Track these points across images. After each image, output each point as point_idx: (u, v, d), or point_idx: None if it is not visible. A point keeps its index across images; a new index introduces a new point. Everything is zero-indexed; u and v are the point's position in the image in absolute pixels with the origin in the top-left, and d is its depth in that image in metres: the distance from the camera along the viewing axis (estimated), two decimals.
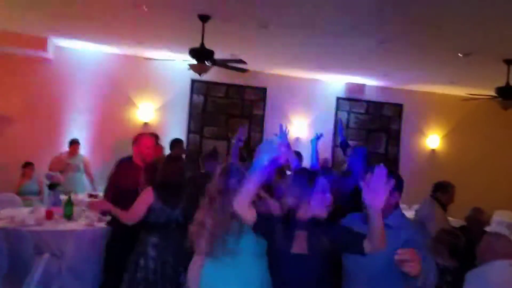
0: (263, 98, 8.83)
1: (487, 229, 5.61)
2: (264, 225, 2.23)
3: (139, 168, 3.76)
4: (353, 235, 2.13)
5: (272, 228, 2.22)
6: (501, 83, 6.41)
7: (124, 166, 3.99)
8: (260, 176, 2.11)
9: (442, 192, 4.60)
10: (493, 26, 5.08)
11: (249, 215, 2.21)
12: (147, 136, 4.12)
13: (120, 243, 3.62)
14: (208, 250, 2.53)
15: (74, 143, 7.02)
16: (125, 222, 3.32)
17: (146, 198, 3.23)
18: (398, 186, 2.30)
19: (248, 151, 4.92)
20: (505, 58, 6.21)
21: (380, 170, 1.91)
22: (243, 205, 2.17)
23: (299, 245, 2.17)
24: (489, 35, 5.42)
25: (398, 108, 9.48)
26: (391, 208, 2.32)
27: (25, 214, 4.75)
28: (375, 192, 1.91)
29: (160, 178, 3.30)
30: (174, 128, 8.18)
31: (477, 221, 4.07)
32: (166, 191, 3.25)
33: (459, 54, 6.32)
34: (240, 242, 2.48)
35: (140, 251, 3.22)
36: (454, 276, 3.11)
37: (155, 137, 4.75)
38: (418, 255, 1.88)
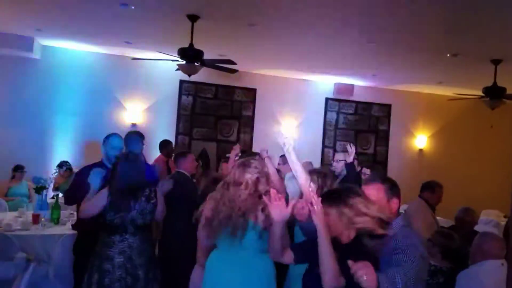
0: (253, 99, 8.81)
1: (476, 228, 5.66)
2: (303, 256, 2.21)
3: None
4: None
5: (312, 254, 2.12)
6: (488, 83, 6.48)
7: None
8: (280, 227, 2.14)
9: (429, 192, 4.62)
10: (480, 27, 5.12)
11: (286, 257, 2.22)
12: (115, 136, 4.01)
13: (84, 245, 3.50)
14: (213, 241, 2.60)
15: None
16: (79, 214, 3.24)
17: (101, 198, 3.14)
18: (395, 192, 2.27)
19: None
20: (492, 58, 6.27)
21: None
22: (277, 255, 2.19)
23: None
24: (476, 36, 5.46)
25: (386, 108, 9.53)
26: (393, 215, 2.23)
27: (11, 219, 4.68)
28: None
29: (115, 179, 3.18)
30: (163, 129, 8.12)
31: (466, 221, 4.09)
32: (119, 194, 3.15)
33: (447, 55, 6.37)
34: (244, 238, 2.53)
35: (102, 253, 3.13)
36: (446, 277, 3.12)
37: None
38: (369, 268, 1.81)
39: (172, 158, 4.66)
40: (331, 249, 1.91)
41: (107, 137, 3.93)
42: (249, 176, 2.60)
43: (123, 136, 4.07)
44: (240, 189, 2.58)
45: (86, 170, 3.61)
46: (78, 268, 3.63)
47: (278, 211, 2.09)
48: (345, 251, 1.94)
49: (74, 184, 3.82)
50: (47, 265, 4.24)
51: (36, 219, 4.60)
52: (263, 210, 2.50)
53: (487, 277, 2.76)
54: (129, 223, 3.16)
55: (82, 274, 3.23)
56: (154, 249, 3.42)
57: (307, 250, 2.14)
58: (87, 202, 3.19)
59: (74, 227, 4.27)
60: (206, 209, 2.68)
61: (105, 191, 3.16)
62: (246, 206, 2.54)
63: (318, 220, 1.93)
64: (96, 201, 3.14)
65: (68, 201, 4.06)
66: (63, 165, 6.71)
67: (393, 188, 2.27)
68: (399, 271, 1.95)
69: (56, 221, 4.67)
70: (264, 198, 2.19)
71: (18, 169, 6.50)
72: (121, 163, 3.22)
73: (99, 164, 3.83)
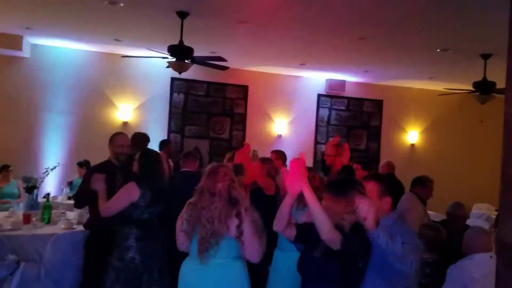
0: (245, 96, 8.79)
1: (467, 222, 5.70)
2: (304, 235, 2.25)
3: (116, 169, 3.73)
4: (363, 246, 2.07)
5: (311, 237, 2.21)
6: (478, 77, 6.52)
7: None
8: (292, 198, 2.18)
9: (421, 187, 4.66)
10: (470, 22, 5.15)
11: (288, 232, 2.26)
12: (122, 135, 4.04)
13: (98, 245, 3.55)
14: (187, 248, 2.64)
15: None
16: (101, 213, 3.25)
17: (131, 194, 3.17)
18: (389, 191, 2.32)
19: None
20: (482, 53, 6.31)
21: (295, 162, 2.07)
22: (280, 226, 2.23)
23: (320, 248, 2.15)
24: (466, 31, 5.49)
25: (378, 104, 9.55)
26: (383, 213, 2.27)
27: (1, 219, 4.64)
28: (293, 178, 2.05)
29: (144, 174, 3.26)
30: (155, 127, 8.08)
31: (457, 215, 4.12)
32: (153, 188, 3.23)
33: (437, 50, 6.40)
34: (220, 244, 2.56)
35: (124, 246, 3.18)
36: (432, 269, 3.17)
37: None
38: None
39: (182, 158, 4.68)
40: (320, 206, 2.03)
41: (114, 135, 3.95)
42: (221, 184, 2.62)
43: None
44: (214, 199, 2.60)
45: (95, 170, 3.66)
46: (90, 265, 3.69)
47: (294, 183, 2.12)
48: (345, 238, 2.02)
49: (83, 186, 3.82)
50: (38, 265, 4.20)
51: (27, 219, 4.56)
52: (237, 216, 2.56)
53: (476, 269, 2.79)
54: (155, 217, 3.27)
55: (96, 275, 3.27)
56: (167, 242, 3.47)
57: (308, 233, 2.19)
58: (109, 201, 3.21)
59: (86, 226, 4.23)
60: (181, 216, 2.72)
61: (133, 186, 3.18)
62: (220, 216, 2.56)
63: (303, 186, 2.06)
64: (123, 195, 3.18)
65: (79, 203, 4.05)
66: (84, 164, 6.67)
67: (387, 188, 2.33)
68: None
69: (47, 220, 4.63)
70: (282, 169, 2.26)
71: (3, 168, 6.41)
72: (148, 158, 3.32)
73: (107, 163, 3.84)
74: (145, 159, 3.32)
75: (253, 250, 2.57)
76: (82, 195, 3.81)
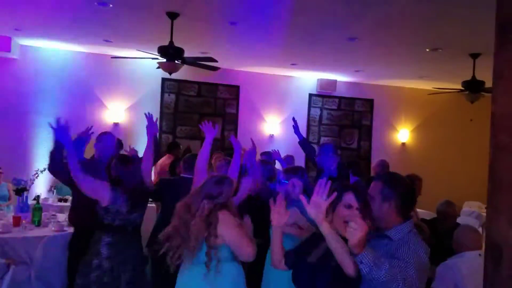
0: (236, 96, 8.79)
1: (458, 220, 5.75)
2: (292, 257, 2.22)
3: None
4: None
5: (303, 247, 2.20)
6: (468, 76, 6.57)
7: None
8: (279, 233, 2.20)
9: None
10: (459, 22, 5.19)
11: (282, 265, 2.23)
12: (108, 135, 4.02)
13: (80, 243, 3.47)
14: (186, 259, 2.59)
15: None
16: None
17: (102, 190, 3.12)
18: (392, 197, 2.13)
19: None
20: (471, 52, 6.35)
21: (320, 184, 1.92)
22: (279, 263, 2.23)
23: (315, 255, 2.11)
24: (455, 31, 5.53)
25: (369, 103, 9.60)
26: (392, 219, 2.12)
27: None
28: (317, 206, 1.90)
29: (118, 179, 3.20)
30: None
31: (447, 214, 4.15)
32: (128, 195, 3.16)
33: (427, 49, 6.44)
34: (200, 255, 2.56)
35: (94, 252, 3.12)
36: None
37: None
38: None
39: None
40: (342, 244, 1.86)
41: (101, 136, 3.93)
42: (206, 202, 2.61)
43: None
44: (195, 215, 2.59)
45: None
46: (72, 266, 3.61)
47: (277, 215, 2.11)
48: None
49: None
50: (29, 267, 4.18)
51: (17, 221, 4.53)
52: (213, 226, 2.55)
53: (465, 267, 2.82)
54: (130, 223, 3.19)
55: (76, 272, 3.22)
56: (142, 249, 3.42)
57: (295, 251, 2.18)
58: (88, 180, 3.12)
59: (70, 220, 4.19)
60: (168, 228, 2.70)
61: (107, 187, 3.13)
62: (199, 230, 2.55)
63: (321, 221, 1.91)
64: (97, 188, 3.12)
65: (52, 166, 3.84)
66: None
67: (390, 193, 2.15)
68: (392, 262, 1.89)
69: (38, 223, 4.60)
70: (270, 202, 2.20)
71: None
72: (122, 164, 3.25)
73: (92, 161, 3.83)
74: (121, 164, 3.25)
75: (244, 250, 2.58)
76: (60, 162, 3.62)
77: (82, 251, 3.23)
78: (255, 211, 3.21)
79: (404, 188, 2.16)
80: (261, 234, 2.99)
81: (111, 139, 3.93)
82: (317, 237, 2.18)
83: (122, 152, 4.34)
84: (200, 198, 2.62)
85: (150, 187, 3.49)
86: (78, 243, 3.54)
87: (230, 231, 2.56)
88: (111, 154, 3.79)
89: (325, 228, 1.88)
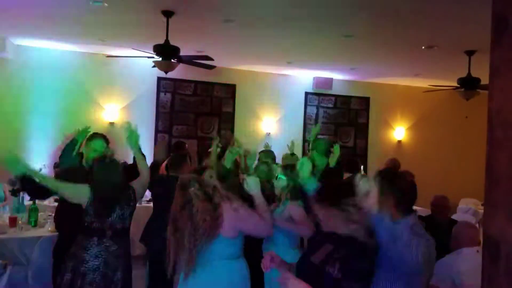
0: (232, 95, 8.78)
1: (454, 217, 5.78)
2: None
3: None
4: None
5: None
6: (463, 74, 6.59)
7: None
8: None
9: None
10: (454, 19, 5.19)
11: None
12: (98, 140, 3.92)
13: (64, 248, 3.40)
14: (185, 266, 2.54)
15: None
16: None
17: (80, 191, 3.12)
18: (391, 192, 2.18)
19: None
20: (466, 50, 6.37)
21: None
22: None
23: (319, 255, 2.10)
24: (450, 28, 5.54)
25: (365, 101, 9.61)
26: (392, 214, 2.15)
27: None
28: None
29: (96, 183, 3.15)
30: (142, 127, 7.83)
31: (440, 205, 4.20)
32: (100, 198, 3.12)
33: (422, 47, 6.45)
34: (212, 249, 2.51)
35: (77, 256, 3.09)
36: None
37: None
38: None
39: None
40: None
41: (90, 138, 3.85)
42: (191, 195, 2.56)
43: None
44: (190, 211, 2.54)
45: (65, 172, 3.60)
46: (56, 271, 3.57)
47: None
48: (340, 242, 1.99)
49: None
50: (25, 268, 4.16)
51: (13, 222, 4.51)
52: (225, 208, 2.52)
53: (463, 264, 2.82)
54: (108, 227, 3.13)
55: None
56: (130, 253, 3.38)
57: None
58: (68, 187, 3.15)
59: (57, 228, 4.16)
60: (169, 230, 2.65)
61: (86, 187, 3.11)
62: (204, 215, 2.50)
63: None
64: (77, 191, 3.12)
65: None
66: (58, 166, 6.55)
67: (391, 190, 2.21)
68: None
69: (34, 223, 4.59)
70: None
71: None
72: (98, 166, 3.19)
73: (78, 168, 3.78)
74: (97, 167, 3.20)
75: (261, 229, 2.61)
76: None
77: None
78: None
79: (403, 184, 2.19)
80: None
81: (100, 144, 3.81)
82: (322, 237, 2.19)
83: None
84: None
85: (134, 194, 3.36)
86: (63, 248, 3.43)
87: (234, 221, 2.53)
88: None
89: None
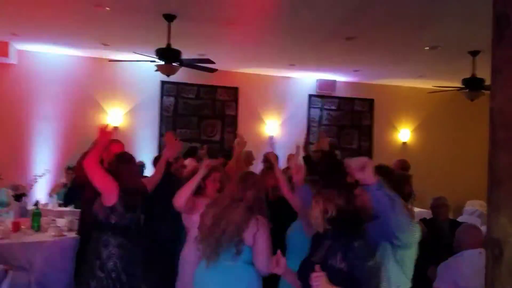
0: (235, 98, 8.77)
1: (460, 219, 5.73)
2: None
3: None
4: (367, 266, 1.99)
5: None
6: (467, 74, 6.54)
7: None
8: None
9: None
10: (457, 19, 5.17)
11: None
12: (118, 143, 4.01)
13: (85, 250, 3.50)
14: (210, 255, 2.59)
15: None
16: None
17: (113, 188, 3.15)
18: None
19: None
20: (470, 50, 6.33)
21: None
22: None
23: (319, 253, 2.13)
24: (454, 28, 5.52)
25: (369, 103, 9.57)
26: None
27: None
28: None
29: (124, 180, 3.20)
30: (145, 131, 8.04)
31: (439, 205, 4.19)
32: (125, 195, 3.17)
33: (425, 48, 6.42)
34: (242, 249, 2.57)
35: (105, 254, 3.13)
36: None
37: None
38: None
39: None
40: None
41: (110, 143, 3.93)
42: (250, 192, 2.65)
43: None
44: (238, 204, 2.62)
45: None
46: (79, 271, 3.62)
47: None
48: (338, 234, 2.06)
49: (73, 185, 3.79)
50: (28, 273, 4.15)
51: (16, 227, 4.51)
52: (254, 224, 2.58)
53: (466, 266, 2.79)
54: (134, 223, 3.21)
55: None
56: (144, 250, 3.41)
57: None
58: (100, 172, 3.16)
59: (78, 232, 4.20)
60: (203, 223, 2.71)
61: (115, 186, 3.15)
62: (240, 222, 2.58)
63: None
64: (110, 185, 3.14)
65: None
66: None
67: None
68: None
69: (37, 228, 4.57)
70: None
71: None
72: (124, 165, 3.26)
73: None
74: (118, 162, 3.26)
75: (263, 259, 2.58)
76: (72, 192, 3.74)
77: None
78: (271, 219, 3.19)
79: (394, 179, 2.28)
80: (277, 239, 2.97)
81: (120, 147, 3.89)
82: (319, 237, 2.20)
83: None
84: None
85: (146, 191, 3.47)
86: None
87: (264, 233, 2.59)
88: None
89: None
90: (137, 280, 3.17)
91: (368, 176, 1.96)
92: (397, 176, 2.34)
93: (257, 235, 2.56)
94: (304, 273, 2.17)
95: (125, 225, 3.15)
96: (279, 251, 2.25)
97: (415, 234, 2.11)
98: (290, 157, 3.33)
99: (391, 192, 1.97)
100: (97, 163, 3.13)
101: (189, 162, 6.45)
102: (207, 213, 2.68)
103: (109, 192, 3.12)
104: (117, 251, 3.12)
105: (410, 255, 2.19)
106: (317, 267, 1.95)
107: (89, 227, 3.39)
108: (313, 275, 1.94)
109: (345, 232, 2.07)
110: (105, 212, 3.14)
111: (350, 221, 2.07)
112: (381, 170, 2.21)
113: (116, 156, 3.36)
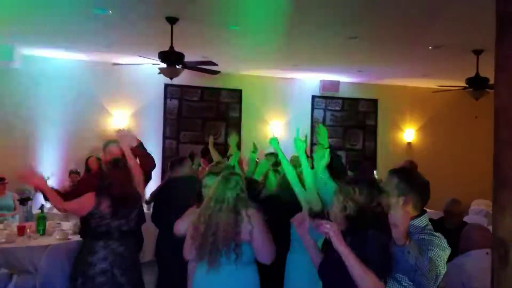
0: (239, 100, 8.78)
1: (466, 219, 5.68)
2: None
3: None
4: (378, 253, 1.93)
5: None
6: (471, 73, 6.51)
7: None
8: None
9: None
10: (460, 18, 5.14)
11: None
12: (114, 144, 4.00)
13: None
14: (208, 259, 2.56)
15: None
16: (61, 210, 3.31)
17: (87, 202, 3.17)
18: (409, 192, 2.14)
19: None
20: (474, 49, 6.30)
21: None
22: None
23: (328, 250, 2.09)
24: (457, 27, 5.49)
25: (373, 103, 9.54)
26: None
27: None
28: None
29: (104, 185, 3.21)
30: (150, 134, 8.04)
31: (453, 212, 4.10)
32: (109, 200, 3.17)
33: (429, 47, 6.39)
34: (230, 251, 2.54)
35: (85, 260, 3.15)
36: None
37: None
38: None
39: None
40: (363, 267, 1.84)
41: (107, 144, 3.93)
42: (230, 194, 2.60)
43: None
44: (222, 206, 2.58)
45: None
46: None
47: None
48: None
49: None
50: (33, 276, 4.16)
51: (21, 230, 4.52)
52: (247, 221, 2.55)
53: (473, 266, 2.77)
54: (115, 229, 3.15)
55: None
56: (138, 255, 3.41)
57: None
58: (71, 205, 3.26)
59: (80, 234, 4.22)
60: (190, 223, 2.70)
61: (91, 196, 3.16)
62: (229, 223, 2.54)
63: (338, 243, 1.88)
64: (82, 203, 3.16)
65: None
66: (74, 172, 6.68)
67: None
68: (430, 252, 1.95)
69: (42, 232, 4.58)
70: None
71: (0, 181, 6.35)
72: (114, 170, 3.26)
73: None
74: (111, 167, 3.29)
75: (266, 251, 2.58)
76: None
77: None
78: (274, 212, 3.16)
79: (420, 183, 2.21)
80: (279, 237, 2.96)
81: (116, 149, 3.89)
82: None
83: None
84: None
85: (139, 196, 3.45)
86: None
87: (260, 227, 2.57)
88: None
89: (341, 247, 1.87)
90: (122, 285, 3.15)
91: (397, 235, 1.84)
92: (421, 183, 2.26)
93: (252, 232, 2.54)
94: (324, 273, 2.14)
95: (104, 230, 3.15)
96: (299, 215, 2.24)
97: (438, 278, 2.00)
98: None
99: (418, 259, 1.85)
100: (62, 202, 3.26)
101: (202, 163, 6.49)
102: (199, 217, 2.64)
103: (85, 209, 3.18)
104: (93, 258, 3.12)
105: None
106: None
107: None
108: (325, 222, 1.91)
109: (362, 226, 1.99)
110: (87, 217, 3.18)
111: (371, 220, 1.98)
112: (404, 175, 2.19)
113: (110, 162, 3.36)
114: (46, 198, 3.71)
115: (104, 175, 3.30)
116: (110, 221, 3.15)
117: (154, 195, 4.73)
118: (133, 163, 3.49)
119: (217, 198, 2.60)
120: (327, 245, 2.15)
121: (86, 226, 3.21)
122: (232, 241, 2.53)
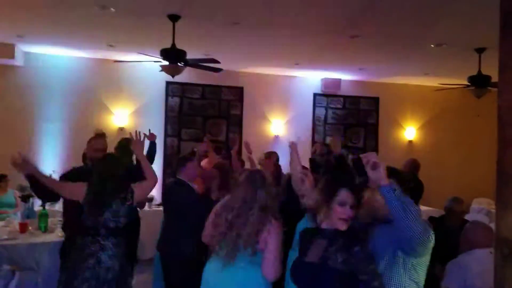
0: (240, 98, 8.77)
1: (466, 217, 5.69)
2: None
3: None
4: (370, 269, 1.95)
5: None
6: (473, 72, 6.50)
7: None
8: None
9: None
10: (463, 16, 5.13)
11: None
12: (99, 139, 4.00)
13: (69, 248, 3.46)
14: (227, 257, 2.56)
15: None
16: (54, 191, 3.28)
17: (80, 188, 3.21)
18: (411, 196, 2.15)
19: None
20: (476, 47, 6.28)
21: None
22: None
23: (314, 253, 2.07)
24: (459, 25, 5.47)
25: (374, 102, 9.53)
26: None
27: None
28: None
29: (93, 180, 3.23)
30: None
31: (455, 211, 4.09)
32: (93, 195, 3.19)
33: (431, 45, 6.38)
34: (247, 250, 2.54)
35: (73, 255, 3.18)
36: None
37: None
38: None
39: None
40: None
41: (91, 139, 3.93)
42: (261, 195, 2.59)
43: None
44: (251, 205, 2.57)
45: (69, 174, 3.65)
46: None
47: None
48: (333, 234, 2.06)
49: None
50: (36, 273, 4.18)
51: (23, 227, 4.54)
52: (267, 226, 2.54)
53: (475, 265, 2.76)
54: (101, 225, 3.15)
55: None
56: (126, 253, 3.36)
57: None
58: (65, 186, 3.31)
59: (63, 229, 4.21)
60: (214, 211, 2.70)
61: (84, 185, 3.18)
62: (258, 226, 2.54)
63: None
64: (74, 189, 3.21)
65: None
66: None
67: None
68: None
69: (44, 229, 4.61)
70: None
71: (1, 178, 6.37)
72: (97, 163, 3.29)
73: (83, 168, 3.82)
74: (96, 164, 3.31)
75: (271, 267, 2.53)
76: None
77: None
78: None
79: (410, 181, 2.23)
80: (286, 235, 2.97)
81: (100, 143, 3.88)
82: (310, 234, 2.18)
83: None
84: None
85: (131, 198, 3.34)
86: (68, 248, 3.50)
87: (275, 244, 2.54)
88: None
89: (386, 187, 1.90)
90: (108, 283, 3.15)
91: (380, 176, 1.90)
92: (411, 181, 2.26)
93: (267, 239, 2.52)
94: (297, 274, 2.13)
95: (92, 226, 3.16)
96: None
97: (429, 243, 1.98)
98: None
99: (405, 197, 1.87)
100: (58, 183, 3.38)
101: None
102: (220, 216, 2.64)
103: (76, 196, 3.24)
104: (84, 252, 3.14)
105: (423, 263, 2.09)
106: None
107: (71, 225, 3.44)
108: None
109: (344, 234, 2.02)
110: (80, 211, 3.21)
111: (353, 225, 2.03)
112: (397, 172, 2.18)
113: (100, 158, 3.38)
114: (34, 188, 3.67)
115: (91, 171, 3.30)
116: (97, 217, 3.15)
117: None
118: (147, 169, 3.42)
119: (247, 199, 2.59)
120: (303, 245, 2.16)
121: (73, 221, 3.20)
122: (253, 242, 2.52)
